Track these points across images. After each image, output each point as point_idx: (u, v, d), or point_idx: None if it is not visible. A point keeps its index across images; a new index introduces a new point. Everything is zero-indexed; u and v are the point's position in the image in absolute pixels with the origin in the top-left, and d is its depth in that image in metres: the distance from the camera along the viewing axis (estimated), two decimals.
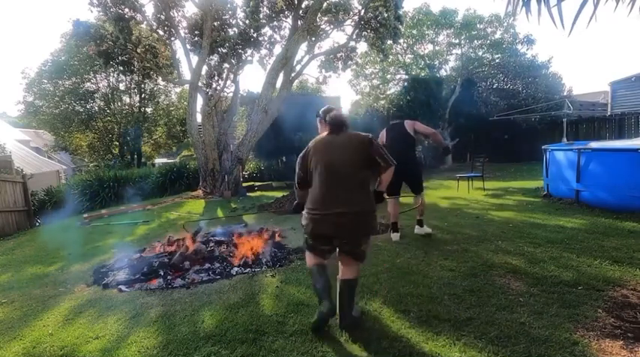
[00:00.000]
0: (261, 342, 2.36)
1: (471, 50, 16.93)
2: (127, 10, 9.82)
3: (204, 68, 10.37)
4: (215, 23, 10.22)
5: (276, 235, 4.88)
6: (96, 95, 19.68)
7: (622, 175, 5.19)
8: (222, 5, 10.40)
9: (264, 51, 11.30)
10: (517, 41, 16.44)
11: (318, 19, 10.93)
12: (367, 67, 18.14)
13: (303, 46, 11.04)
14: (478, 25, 16.02)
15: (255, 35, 10.72)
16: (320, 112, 2.71)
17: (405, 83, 17.69)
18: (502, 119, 14.29)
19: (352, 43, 11.61)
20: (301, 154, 2.57)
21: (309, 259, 2.58)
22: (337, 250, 2.51)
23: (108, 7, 9.59)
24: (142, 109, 20.55)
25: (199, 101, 10.45)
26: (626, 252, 3.56)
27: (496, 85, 18.25)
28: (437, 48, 17.66)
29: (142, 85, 20.01)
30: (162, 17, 10.14)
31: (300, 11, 10.45)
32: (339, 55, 11.89)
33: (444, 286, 3.00)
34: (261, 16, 10.58)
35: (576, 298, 2.69)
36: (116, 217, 7.63)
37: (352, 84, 19.04)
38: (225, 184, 9.95)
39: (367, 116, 15.39)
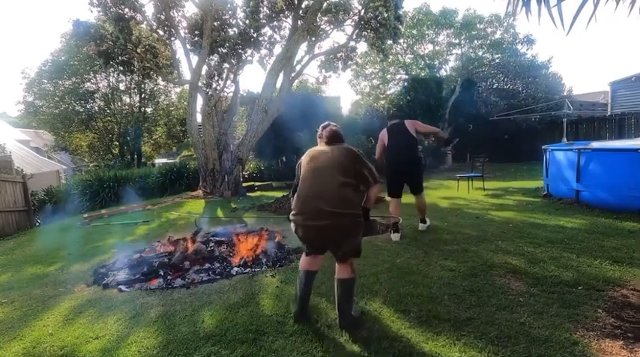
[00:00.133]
0: (261, 342, 2.36)
1: (471, 50, 16.93)
2: (127, 10, 9.82)
3: (204, 68, 10.37)
4: (215, 23, 10.22)
5: (276, 235, 4.89)
6: (96, 95, 19.68)
7: (622, 175, 5.19)
8: (222, 5, 10.39)
9: (264, 51, 11.30)
10: (517, 41, 16.44)
11: (318, 19, 10.93)
12: (367, 67, 18.15)
13: (303, 46, 11.04)
14: (478, 25, 16.03)
15: (255, 35, 10.71)
16: (319, 128, 2.80)
17: (405, 83, 17.70)
18: (502, 119, 14.28)
19: (352, 43, 11.61)
20: (297, 164, 2.67)
21: (302, 262, 2.67)
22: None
23: (108, 7, 9.58)
24: (142, 109, 20.55)
25: (199, 101, 10.45)
26: (626, 252, 3.56)
27: (496, 85, 18.25)
28: (437, 48, 17.67)
29: (142, 85, 20.01)
30: (163, 17, 10.13)
31: (300, 11, 10.45)
32: (339, 55, 11.88)
33: (444, 286, 3.00)
34: (261, 16, 10.57)
35: (576, 298, 2.69)
36: (116, 217, 7.63)
37: (352, 84, 19.06)
38: (225, 184, 9.95)
39: (367, 116, 15.38)
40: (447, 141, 5.19)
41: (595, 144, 6.62)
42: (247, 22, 10.57)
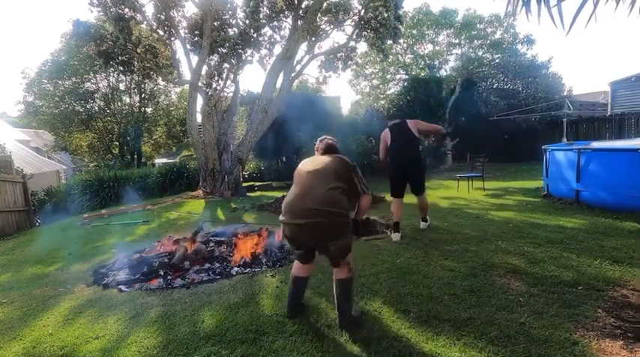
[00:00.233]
0: (261, 342, 2.36)
1: (470, 50, 16.93)
2: (127, 10, 9.82)
3: (204, 68, 10.37)
4: (215, 23, 10.22)
5: (276, 235, 4.88)
6: (96, 95, 19.69)
7: (622, 175, 5.19)
8: (222, 5, 10.39)
9: (264, 51, 11.30)
10: (517, 41, 16.44)
11: (318, 19, 10.93)
12: (367, 67, 18.16)
13: (303, 46, 11.04)
14: (478, 25, 16.03)
15: (255, 35, 10.71)
16: (316, 141, 2.92)
17: (405, 83, 17.71)
18: (502, 119, 14.29)
19: (352, 43, 11.61)
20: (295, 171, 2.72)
21: (293, 267, 2.70)
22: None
23: (108, 7, 9.59)
24: (142, 109, 20.56)
25: (199, 101, 10.46)
26: (626, 252, 3.56)
27: (496, 85, 18.25)
28: (437, 48, 17.67)
29: (142, 85, 20.02)
30: (163, 17, 10.13)
31: (300, 11, 10.45)
32: (339, 55, 11.88)
33: (444, 286, 3.00)
34: (261, 16, 10.57)
35: (576, 298, 2.69)
36: (116, 217, 7.63)
37: (352, 84, 19.07)
38: (225, 184, 9.95)
39: (367, 116, 15.39)
40: (444, 135, 5.24)
41: (595, 144, 6.62)
42: (247, 22, 10.57)
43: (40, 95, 19.35)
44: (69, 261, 4.64)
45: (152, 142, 22.89)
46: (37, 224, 9.60)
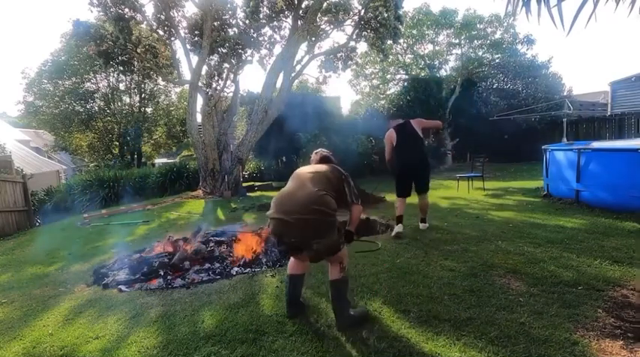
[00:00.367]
0: (261, 342, 2.36)
1: (470, 50, 16.93)
2: (127, 10, 9.82)
3: (204, 68, 10.37)
4: (215, 23, 10.22)
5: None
6: (96, 95, 19.69)
7: (622, 175, 5.19)
8: (222, 5, 10.39)
9: (264, 51, 11.30)
10: (517, 41, 16.45)
11: (318, 19, 10.93)
12: (367, 67, 18.15)
13: (303, 46, 11.04)
14: (478, 25, 16.03)
15: (255, 35, 10.72)
16: (312, 153, 3.02)
17: (405, 83, 17.71)
18: (502, 119, 14.29)
19: (352, 43, 11.60)
20: None
21: (288, 265, 2.73)
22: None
23: (108, 7, 9.59)
24: (142, 109, 20.56)
25: (199, 101, 10.46)
26: (626, 252, 3.56)
27: (496, 85, 18.26)
28: (437, 48, 17.67)
29: (142, 85, 20.02)
30: (163, 17, 10.13)
31: (300, 11, 10.45)
32: (339, 55, 11.88)
33: (444, 286, 3.00)
34: (261, 16, 10.57)
35: (576, 298, 2.69)
36: (116, 217, 7.64)
37: (352, 84, 19.07)
38: (225, 184, 9.95)
39: (367, 116, 15.39)
40: (439, 130, 5.35)
41: (595, 144, 6.62)
42: (247, 22, 10.57)
43: (40, 95, 19.34)
44: (69, 261, 4.64)
45: (152, 142, 22.89)
46: (37, 224, 9.61)
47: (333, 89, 66.99)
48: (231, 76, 10.80)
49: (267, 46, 11.31)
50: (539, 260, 3.45)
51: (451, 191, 8.29)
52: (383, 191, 7.96)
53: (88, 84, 19.54)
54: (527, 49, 16.76)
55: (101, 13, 9.86)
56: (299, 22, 10.32)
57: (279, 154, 13.51)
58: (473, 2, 58.98)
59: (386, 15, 10.38)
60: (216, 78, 10.61)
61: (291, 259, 2.71)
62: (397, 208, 4.68)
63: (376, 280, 3.21)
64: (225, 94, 11.28)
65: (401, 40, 15.03)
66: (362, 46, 18.49)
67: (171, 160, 18.26)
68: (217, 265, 3.89)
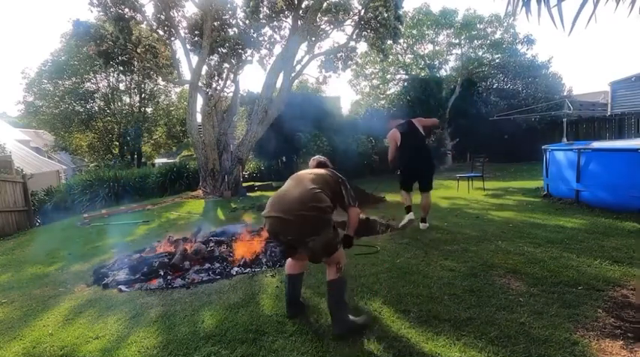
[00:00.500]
0: (261, 342, 2.36)
1: (470, 50, 16.93)
2: (127, 10, 9.82)
3: (204, 68, 10.37)
4: (215, 23, 10.22)
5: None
6: (96, 95, 19.69)
7: (622, 175, 5.19)
8: (222, 5, 10.39)
9: (264, 51, 11.30)
10: (517, 41, 16.45)
11: (318, 19, 10.93)
12: (367, 67, 18.15)
13: (303, 46, 11.04)
14: (478, 25, 16.03)
15: (255, 35, 10.71)
16: (310, 160, 3.08)
17: (405, 83, 17.72)
18: (502, 119, 14.29)
19: (352, 43, 11.61)
20: None
21: (286, 266, 2.74)
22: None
23: (108, 7, 9.59)
24: (142, 109, 20.56)
25: (199, 101, 10.46)
26: (626, 252, 3.56)
27: (496, 85, 18.26)
28: (437, 48, 17.67)
29: (142, 85, 20.02)
30: (163, 17, 10.13)
31: (300, 11, 10.45)
32: (339, 55, 11.88)
33: (444, 286, 3.00)
34: (261, 16, 10.57)
35: (576, 298, 2.69)
36: (116, 217, 7.63)
37: (352, 84, 19.07)
38: (225, 184, 9.95)
39: (367, 116, 15.40)
40: (436, 126, 5.42)
41: (596, 144, 6.62)
42: (247, 22, 10.57)
43: (40, 95, 19.34)
44: (69, 261, 4.64)
45: (152, 142, 22.90)
46: (37, 224, 9.60)
47: (333, 89, 67.05)
48: (231, 76, 10.80)
49: (267, 46, 11.32)
50: (539, 260, 3.45)
51: (451, 191, 8.29)
52: (383, 191, 7.96)
53: (88, 84, 19.54)
54: (527, 49, 16.80)
55: (101, 13, 9.86)
56: (299, 22, 10.32)
57: (279, 154, 13.51)
58: (473, 2, 59.06)
59: (386, 15, 10.38)
60: (216, 78, 10.62)
61: (289, 258, 2.71)
62: (405, 200, 4.91)
63: (376, 280, 3.21)
64: (225, 94, 11.28)
65: (401, 40, 15.02)
66: (362, 46, 18.53)
67: (171, 160, 18.26)
68: (217, 265, 3.89)
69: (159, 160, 22.01)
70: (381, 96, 18.74)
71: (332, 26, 11.42)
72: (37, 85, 19.20)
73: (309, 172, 2.66)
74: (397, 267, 3.49)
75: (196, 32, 10.57)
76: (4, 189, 8.26)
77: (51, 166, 19.39)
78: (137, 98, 20.66)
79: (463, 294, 2.85)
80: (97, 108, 19.85)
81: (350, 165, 10.77)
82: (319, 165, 2.88)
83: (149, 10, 16.20)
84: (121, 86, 20.18)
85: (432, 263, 3.55)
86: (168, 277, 3.62)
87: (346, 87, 63.38)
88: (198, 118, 10.62)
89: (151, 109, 21.39)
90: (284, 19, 11.18)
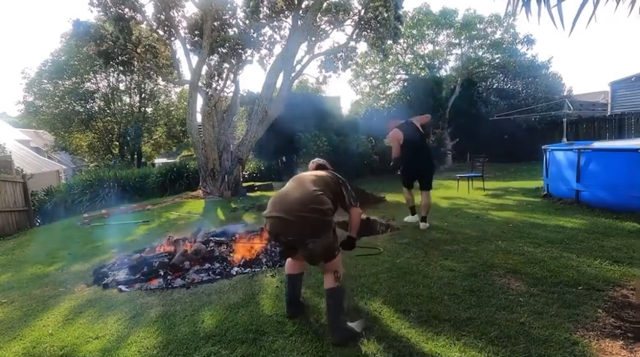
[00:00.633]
0: (261, 342, 2.36)
1: (470, 50, 16.93)
2: (127, 10, 9.82)
3: (204, 68, 10.37)
4: (215, 23, 10.22)
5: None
6: (96, 95, 19.69)
7: (622, 175, 5.19)
8: (222, 5, 10.39)
9: (264, 51, 11.30)
10: (517, 41, 16.44)
11: (318, 19, 10.93)
12: (367, 67, 18.15)
13: (303, 46, 11.03)
14: (478, 25, 16.02)
15: (255, 35, 10.71)
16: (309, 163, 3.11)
17: (405, 83, 17.72)
18: (502, 119, 14.29)
19: (352, 43, 11.60)
20: None
21: (286, 266, 2.75)
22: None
23: (108, 7, 9.59)
24: (142, 109, 20.57)
25: (199, 101, 10.45)
26: (626, 252, 3.56)
27: (496, 85, 18.26)
28: (437, 48, 17.67)
29: (142, 85, 20.03)
30: (163, 17, 10.13)
31: (300, 11, 10.45)
32: (339, 55, 11.87)
33: (444, 286, 3.00)
34: (261, 16, 10.57)
35: (576, 298, 2.69)
36: (116, 217, 7.63)
37: (352, 84, 19.07)
38: (225, 184, 9.95)
39: (367, 116, 15.41)
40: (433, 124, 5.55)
41: (596, 144, 6.62)
42: (247, 22, 10.57)
43: (40, 95, 19.35)
44: (69, 261, 4.64)
45: (152, 142, 22.90)
46: (37, 224, 9.60)
47: (333, 89, 67.05)
48: (231, 76, 10.80)
49: (267, 46, 11.31)
50: (539, 260, 3.45)
51: (451, 191, 8.29)
52: (383, 191, 7.96)
53: (88, 84, 19.55)
54: (527, 49, 16.78)
55: (101, 13, 9.86)
56: (299, 22, 10.31)
57: (279, 154, 13.51)
58: (473, 2, 59.02)
59: (386, 15, 10.38)
60: (216, 78, 10.61)
61: (289, 258, 2.72)
62: (408, 200, 5.14)
63: (376, 280, 3.21)
64: (225, 94, 11.28)
65: (401, 40, 15.02)
66: (362, 46, 18.47)
67: (171, 160, 18.26)
68: (217, 265, 3.89)
69: (159, 160, 22.01)
70: (381, 96, 18.74)
71: (332, 26, 11.42)
72: (37, 85, 19.21)
73: (310, 174, 2.66)
74: (397, 267, 3.49)
75: (196, 32, 10.57)
76: (4, 189, 8.26)
77: (51, 166, 19.38)
78: (137, 98, 20.67)
79: (463, 294, 2.85)
80: (97, 108, 19.86)
81: (350, 165, 10.77)
82: (319, 167, 2.88)
83: (149, 10, 16.20)
84: (121, 86, 20.19)
85: (432, 263, 3.55)
86: (168, 277, 3.62)
87: (346, 87, 63.44)
88: (198, 118, 10.62)
89: (151, 109, 21.40)
90: (284, 19, 11.18)
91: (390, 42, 12.18)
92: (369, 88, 19.01)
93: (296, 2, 10.41)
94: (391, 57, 16.80)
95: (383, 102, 18.02)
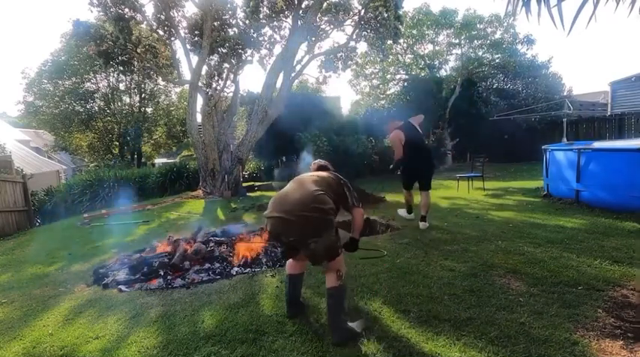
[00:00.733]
0: (261, 342, 2.36)
1: (470, 50, 16.93)
2: (127, 10, 9.82)
3: (204, 68, 10.37)
4: (215, 23, 10.22)
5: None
6: (96, 95, 19.70)
7: (622, 175, 5.19)
8: (222, 5, 10.39)
9: (264, 51, 11.30)
10: (517, 41, 16.44)
11: (318, 19, 10.93)
12: (367, 67, 18.15)
13: (303, 46, 11.04)
14: (478, 25, 16.02)
15: (255, 35, 10.71)
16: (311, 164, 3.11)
17: (405, 83, 17.72)
18: (502, 119, 14.29)
19: (352, 43, 11.60)
20: None
21: (287, 266, 2.75)
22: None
23: (108, 7, 9.59)
24: (142, 109, 20.57)
25: (199, 101, 10.46)
26: (626, 252, 3.56)
27: (496, 85, 18.25)
28: (437, 48, 17.67)
29: (142, 85, 20.04)
30: (163, 17, 10.14)
31: (300, 11, 10.45)
32: (339, 55, 11.87)
33: (444, 286, 3.00)
34: (261, 16, 10.57)
35: (576, 298, 2.69)
36: (116, 217, 7.63)
37: (352, 84, 19.07)
38: (225, 184, 9.95)
39: (367, 116, 15.41)
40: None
41: (596, 144, 6.62)
42: (247, 22, 10.58)
43: (40, 95, 19.35)
44: (69, 261, 4.64)
45: (152, 142, 22.91)
46: (37, 224, 9.60)
47: (333, 89, 67.10)
48: (231, 76, 10.80)
49: (267, 46, 11.31)
50: (539, 260, 3.45)
51: (451, 191, 8.29)
52: (383, 191, 7.96)
53: (88, 84, 19.56)
54: (527, 49, 16.78)
55: (101, 13, 9.86)
56: (299, 22, 10.32)
57: (279, 154, 13.51)
58: (473, 2, 59.02)
59: (386, 15, 10.38)
60: (216, 78, 10.61)
61: (289, 259, 2.72)
62: (407, 200, 5.27)
63: (376, 280, 3.21)
64: (225, 94, 11.28)
65: (401, 40, 15.02)
66: (362, 46, 18.54)
67: (172, 160, 18.26)
68: (217, 265, 3.89)
69: (159, 160, 22.02)
70: (381, 96, 18.74)
71: (332, 26, 11.42)
72: (37, 85, 19.22)
73: (311, 175, 2.65)
74: (397, 267, 3.49)
75: (196, 32, 10.57)
76: (4, 189, 8.27)
77: (51, 166, 19.39)
78: (137, 98, 20.68)
79: (463, 294, 2.85)
80: (97, 108, 19.87)
81: (350, 165, 10.77)
82: (320, 168, 2.88)
83: (149, 10, 16.23)
84: (121, 86, 20.19)
85: (432, 263, 3.55)
86: (168, 277, 3.62)
87: (346, 87, 63.47)
88: (198, 118, 10.62)
89: (151, 109, 21.41)
90: (284, 19, 11.18)
91: (390, 42, 12.18)
92: (369, 88, 19.01)
93: (296, 2, 10.41)
94: (391, 57, 16.81)
95: (383, 102, 18.03)
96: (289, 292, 2.68)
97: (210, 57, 10.55)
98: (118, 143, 20.35)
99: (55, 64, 18.66)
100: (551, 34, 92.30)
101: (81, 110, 19.37)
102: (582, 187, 5.68)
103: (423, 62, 17.89)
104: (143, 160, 21.70)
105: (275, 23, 11.13)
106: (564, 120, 12.49)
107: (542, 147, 6.90)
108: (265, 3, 10.62)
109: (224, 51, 10.44)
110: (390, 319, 2.54)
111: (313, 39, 11.12)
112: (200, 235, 4.80)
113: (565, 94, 18.02)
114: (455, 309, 2.62)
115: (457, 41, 16.57)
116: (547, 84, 17.28)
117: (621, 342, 2.16)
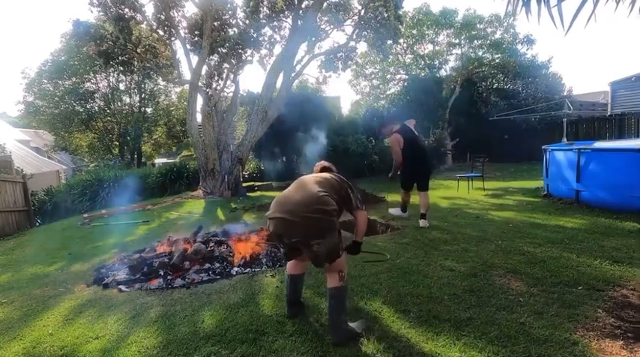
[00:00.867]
0: (261, 342, 2.36)
1: (470, 50, 16.93)
2: (127, 10, 9.82)
3: (204, 68, 10.37)
4: (215, 23, 10.22)
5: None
6: (96, 95, 19.71)
7: (622, 175, 5.19)
8: (222, 5, 10.39)
9: (264, 51, 11.29)
10: (517, 41, 16.45)
11: (318, 19, 10.93)
12: (367, 67, 18.17)
13: (303, 46, 11.03)
14: (478, 25, 16.03)
15: (255, 35, 10.71)
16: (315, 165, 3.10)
17: (405, 83, 17.72)
18: (502, 119, 14.29)
19: (352, 43, 11.60)
20: None
21: (287, 266, 2.75)
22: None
23: (108, 7, 9.59)
24: (142, 109, 20.58)
25: (199, 101, 10.45)
26: (626, 252, 3.56)
27: (496, 85, 18.25)
28: (437, 48, 17.68)
29: (142, 85, 20.05)
30: (163, 17, 10.13)
31: (300, 11, 10.45)
32: (339, 55, 11.86)
33: (444, 286, 3.00)
34: (261, 16, 10.57)
35: (576, 298, 2.69)
36: (116, 217, 7.63)
37: (352, 84, 19.09)
38: (225, 184, 9.95)
39: (367, 116, 15.39)
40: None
41: (596, 144, 6.62)
42: (247, 22, 10.57)
43: (40, 95, 19.36)
44: (69, 261, 4.64)
45: (152, 142, 22.92)
46: (37, 224, 9.59)
47: (333, 89, 67.16)
48: (231, 76, 10.80)
49: (267, 46, 11.31)
50: (539, 260, 3.45)
51: (451, 191, 8.29)
52: (383, 191, 7.96)
53: (88, 84, 19.56)
54: (527, 49, 16.79)
55: (101, 13, 9.86)
56: (299, 22, 10.31)
57: (279, 154, 13.50)
58: (473, 2, 58.98)
59: (386, 15, 10.38)
60: (216, 78, 10.61)
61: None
62: (404, 200, 5.32)
63: (376, 280, 3.21)
64: (225, 94, 11.28)
65: (401, 40, 15.03)
66: (362, 46, 18.52)
67: (172, 160, 18.25)
68: (217, 265, 3.89)
69: (159, 160, 22.03)
70: (381, 96, 18.75)
71: (332, 26, 11.42)
72: (37, 85, 19.22)
73: (314, 176, 2.64)
74: (397, 267, 3.49)
75: (196, 32, 10.56)
76: (4, 189, 8.26)
77: (51, 166, 19.38)
78: (137, 98, 20.69)
79: (463, 294, 2.85)
80: (97, 108, 19.88)
81: (350, 165, 10.76)
82: (324, 169, 2.87)
83: (149, 10, 16.23)
84: (121, 86, 20.21)
85: (432, 263, 3.55)
86: (169, 277, 3.62)
87: (346, 87, 63.52)
88: (198, 118, 10.62)
89: (151, 109, 21.41)
90: (284, 19, 11.18)
91: (390, 42, 12.16)
92: (369, 88, 19.03)
93: (296, 2, 10.41)
94: (391, 57, 16.80)
95: (383, 102, 18.03)
96: (290, 292, 2.68)
97: (210, 57, 10.55)
98: (118, 143, 20.36)
99: (55, 64, 18.67)
100: (551, 34, 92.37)
101: (81, 110, 19.37)
102: (582, 187, 5.68)
103: (423, 62, 17.90)
104: (143, 160, 21.72)
105: (275, 23, 11.13)
106: (564, 120, 12.48)
107: (542, 147, 6.90)
108: (265, 3, 10.62)
109: (224, 51, 10.44)
110: (390, 319, 2.54)
111: (313, 39, 11.12)
112: (200, 235, 4.81)
113: (565, 94, 18.00)
114: (455, 309, 2.62)
115: (457, 41, 16.58)
116: (547, 84, 17.27)
117: (621, 342, 2.16)
